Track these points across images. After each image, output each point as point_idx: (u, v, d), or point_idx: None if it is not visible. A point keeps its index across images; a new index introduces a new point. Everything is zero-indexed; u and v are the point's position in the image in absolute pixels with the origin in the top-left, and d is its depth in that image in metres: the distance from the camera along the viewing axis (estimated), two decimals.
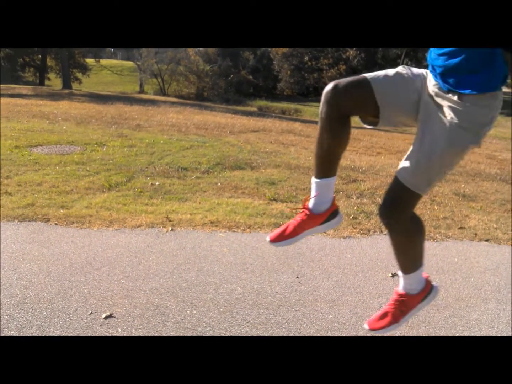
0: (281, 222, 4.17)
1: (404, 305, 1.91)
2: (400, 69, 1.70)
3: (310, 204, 1.81)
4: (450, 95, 1.54)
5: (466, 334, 2.64)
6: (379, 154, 8.84)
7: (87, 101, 17.15)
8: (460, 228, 4.39)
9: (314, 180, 1.79)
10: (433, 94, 1.61)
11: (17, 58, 37.15)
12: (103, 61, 45.55)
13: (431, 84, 1.62)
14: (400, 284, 1.94)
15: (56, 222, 3.94)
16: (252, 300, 2.83)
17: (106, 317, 2.56)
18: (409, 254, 1.86)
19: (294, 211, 4.48)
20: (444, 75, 1.55)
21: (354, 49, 40.82)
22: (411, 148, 1.68)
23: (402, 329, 2.61)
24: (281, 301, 2.85)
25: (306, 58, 40.95)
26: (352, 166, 6.87)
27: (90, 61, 40.79)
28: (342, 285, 3.10)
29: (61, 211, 4.19)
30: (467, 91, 1.50)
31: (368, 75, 1.65)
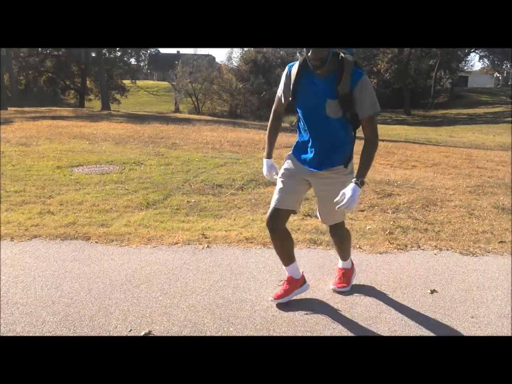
0: (316, 238, 4.16)
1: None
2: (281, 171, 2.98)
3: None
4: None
5: None
6: (414, 167, 8.69)
7: (125, 121, 17.62)
8: (501, 242, 4.26)
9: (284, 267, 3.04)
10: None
11: (58, 82, 38.74)
12: (140, 82, 46.89)
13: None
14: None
15: (96, 240, 4.06)
16: (288, 318, 2.83)
17: (145, 334, 2.61)
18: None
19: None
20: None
21: (385, 62, 40.58)
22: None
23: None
24: (318, 318, 2.83)
25: None
26: (387, 180, 6.78)
27: (127, 82, 42.04)
28: (379, 303, 3.06)
29: (101, 229, 4.32)
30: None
31: (273, 203, 2.85)
